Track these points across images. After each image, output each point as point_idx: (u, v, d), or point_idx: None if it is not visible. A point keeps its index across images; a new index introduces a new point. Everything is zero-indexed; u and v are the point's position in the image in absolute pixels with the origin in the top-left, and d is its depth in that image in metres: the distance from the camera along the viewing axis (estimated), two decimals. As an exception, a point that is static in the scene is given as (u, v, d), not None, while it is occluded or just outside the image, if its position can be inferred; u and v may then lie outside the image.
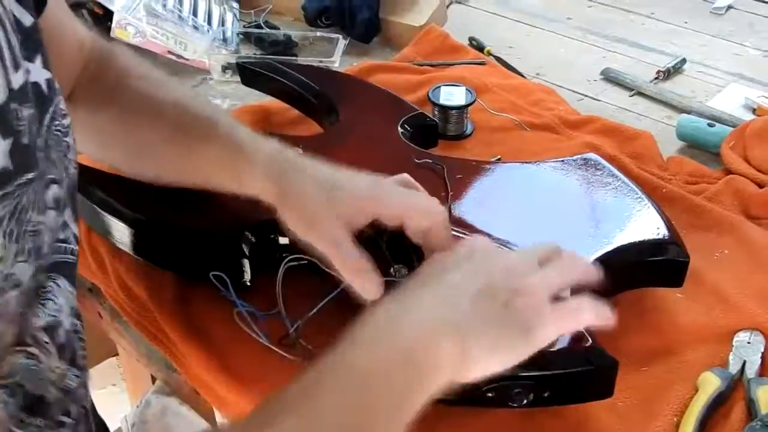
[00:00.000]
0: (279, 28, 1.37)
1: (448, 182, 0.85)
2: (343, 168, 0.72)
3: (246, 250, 0.78)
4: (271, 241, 0.78)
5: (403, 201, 0.70)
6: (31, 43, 0.54)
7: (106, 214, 0.82)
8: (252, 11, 1.41)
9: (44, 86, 0.55)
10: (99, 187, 0.85)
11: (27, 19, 0.53)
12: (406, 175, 0.75)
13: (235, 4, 1.40)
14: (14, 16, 0.52)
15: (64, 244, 0.60)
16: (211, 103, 0.81)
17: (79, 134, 0.75)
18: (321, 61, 1.25)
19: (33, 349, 0.57)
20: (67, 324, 0.59)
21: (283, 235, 0.78)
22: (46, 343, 0.58)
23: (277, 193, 0.70)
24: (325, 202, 0.68)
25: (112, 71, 0.78)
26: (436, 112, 1.06)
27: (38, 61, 0.55)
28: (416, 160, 0.89)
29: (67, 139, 0.59)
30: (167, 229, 0.82)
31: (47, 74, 0.56)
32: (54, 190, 0.56)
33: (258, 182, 0.71)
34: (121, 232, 0.82)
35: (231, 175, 0.73)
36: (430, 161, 0.89)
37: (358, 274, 0.67)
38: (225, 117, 0.78)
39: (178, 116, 0.76)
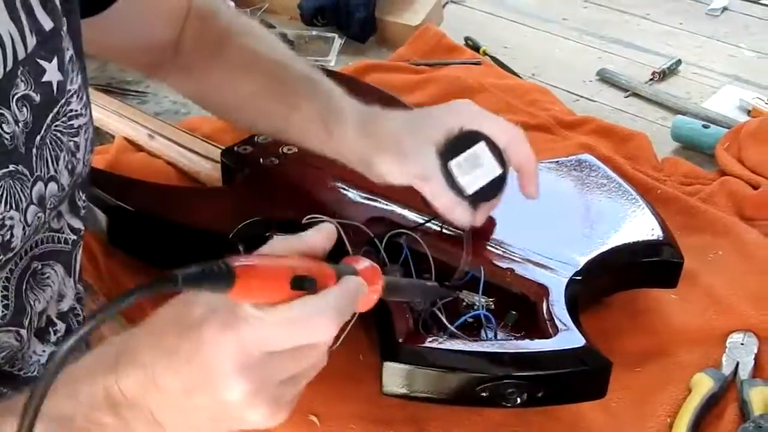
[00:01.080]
0: (275, 27, 1.37)
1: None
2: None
3: (241, 248, 0.78)
4: (266, 239, 0.78)
5: (482, 114, 0.73)
6: (50, 45, 0.57)
7: (101, 212, 0.82)
8: (248, 10, 1.41)
9: (55, 87, 0.57)
10: (94, 185, 0.84)
11: (47, 24, 0.56)
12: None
13: (231, 3, 1.40)
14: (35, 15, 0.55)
15: (58, 234, 0.62)
16: (309, 62, 0.83)
17: (184, 89, 0.85)
18: (317, 60, 1.25)
19: (24, 332, 0.59)
20: (65, 307, 0.60)
21: (280, 233, 0.77)
22: (43, 327, 0.59)
23: (367, 143, 0.74)
24: (415, 132, 0.72)
25: (215, 29, 0.81)
26: None
27: (55, 62, 0.57)
28: None
29: (76, 138, 0.61)
30: (162, 227, 0.81)
31: (60, 76, 0.57)
32: (39, 187, 0.56)
33: (349, 135, 0.75)
34: (118, 232, 0.82)
35: (325, 131, 0.76)
36: None
37: (451, 208, 0.71)
38: (323, 78, 0.80)
39: (280, 73, 0.79)
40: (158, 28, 0.79)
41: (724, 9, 1.50)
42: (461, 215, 0.71)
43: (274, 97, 0.79)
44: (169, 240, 0.82)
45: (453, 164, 0.70)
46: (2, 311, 0.58)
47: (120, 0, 0.71)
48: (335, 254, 0.52)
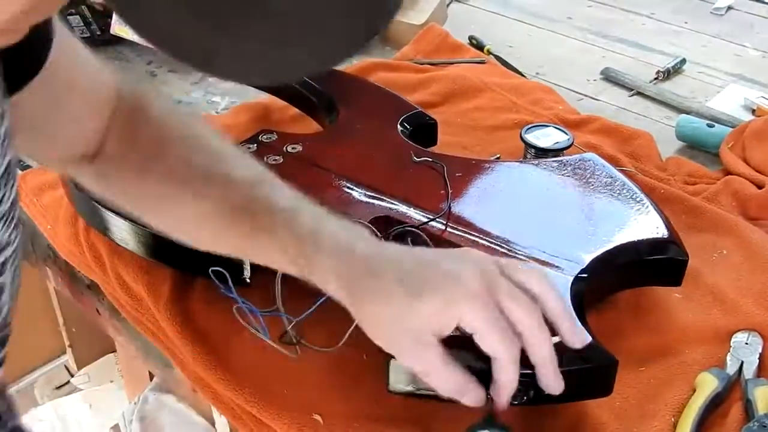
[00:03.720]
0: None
1: (448, 181, 0.85)
2: (427, 251, 0.67)
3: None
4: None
5: (494, 327, 0.60)
6: None
7: (104, 210, 0.82)
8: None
9: None
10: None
11: None
12: (512, 262, 0.66)
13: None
14: None
15: None
16: (264, 171, 0.68)
17: (112, 192, 0.72)
18: (321, 59, 1.24)
19: None
20: None
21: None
22: None
23: (350, 303, 0.63)
24: (406, 315, 0.60)
25: (147, 127, 0.69)
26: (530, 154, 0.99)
27: None
28: (415, 159, 0.89)
29: None
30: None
31: None
32: None
33: (330, 283, 0.63)
34: (120, 229, 0.82)
35: (299, 270, 0.65)
36: (430, 159, 0.89)
37: (460, 394, 0.62)
38: (282, 197, 0.66)
39: (231, 194, 0.67)
40: (73, 119, 0.66)
41: (729, 8, 1.49)
42: (473, 399, 0.63)
43: (228, 220, 0.67)
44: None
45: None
46: None
47: (34, 80, 0.57)
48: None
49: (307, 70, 0.37)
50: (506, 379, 0.61)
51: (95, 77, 0.67)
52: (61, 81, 0.61)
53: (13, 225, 0.51)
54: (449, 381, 0.61)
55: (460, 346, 0.62)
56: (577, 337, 0.64)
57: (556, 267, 0.75)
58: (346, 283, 0.62)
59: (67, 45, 0.61)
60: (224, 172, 0.67)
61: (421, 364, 0.61)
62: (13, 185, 0.50)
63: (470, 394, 0.62)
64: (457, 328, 0.60)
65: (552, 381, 0.62)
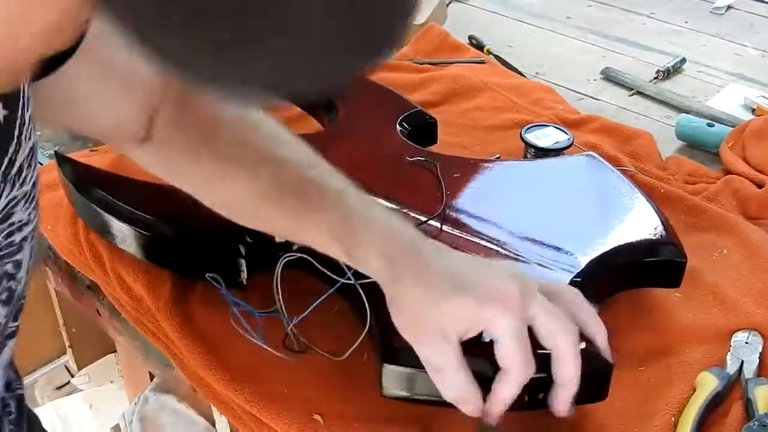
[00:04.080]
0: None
1: (442, 180, 0.85)
2: (476, 255, 0.69)
3: (242, 250, 0.78)
4: (268, 240, 0.78)
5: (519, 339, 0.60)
6: None
7: (104, 213, 0.82)
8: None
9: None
10: (97, 186, 0.85)
11: None
12: (555, 285, 0.67)
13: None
14: None
15: None
16: (314, 154, 0.69)
17: (167, 172, 0.72)
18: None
19: None
20: None
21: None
22: None
23: (388, 281, 0.63)
24: (441, 307, 0.61)
25: (199, 108, 0.69)
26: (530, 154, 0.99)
27: None
28: (408, 159, 0.89)
29: (18, 256, 0.52)
30: (165, 228, 0.81)
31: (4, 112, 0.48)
32: None
33: (372, 262, 0.63)
34: (119, 232, 0.82)
35: (343, 249, 0.65)
36: (422, 159, 0.88)
37: (461, 401, 0.62)
38: (332, 180, 0.67)
39: (283, 174, 0.67)
40: (118, 94, 0.66)
41: (729, 7, 1.49)
42: (472, 410, 0.63)
43: (276, 201, 0.68)
44: (173, 242, 0.82)
45: None
46: None
47: (69, 62, 0.57)
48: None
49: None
50: (506, 395, 0.61)
51: (136, 63, 0.66)
52: (103, 55, 0.61)
53: (33, 205, 0.52)
54: (456, 383, 0.61)
55: (468, 351, 0.62)
56: (611, 353, 0.65)
57: (553, 269, 0.74)
58: (388, 262, 0.62)
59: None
60: (277, 153, 0.68)
61: (436, 358, 0.61)
62: (35, 167, 0.52)
63: (470, 404, 0.62)
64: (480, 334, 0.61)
65: (564, 403, 0.63)
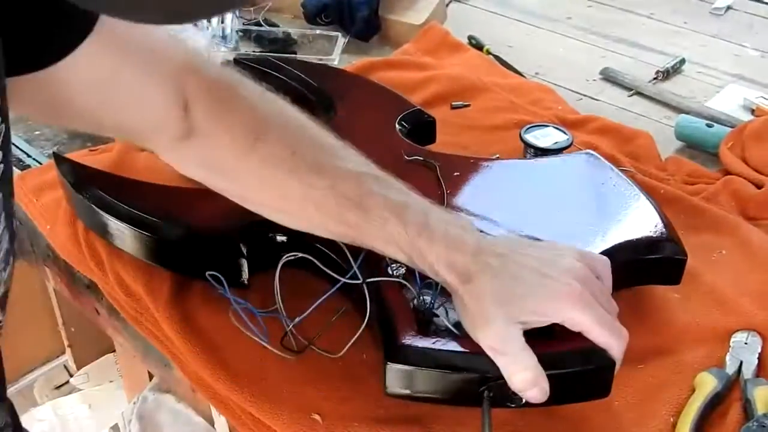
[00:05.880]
0: (278, 26, 1.37)
1: (442, 180, 0.85)
2: (536, 243, 0.70)
3: (244, 250, 0.78)
4: (269, 240, 0.78)
5: (593, 321, 0.64)
6: None
7: (103, 213, 0.82)
8: (251, 8, 1.41)
9: None
10: (96, 187, 0.84)
11: None
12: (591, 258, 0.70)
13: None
14: None
15: None
16: (368, 163, 0.70)
17: (211, 173, 0.72)
18: (320, 59, 1.24)
19: None
20: None
21: (281, 234, 0.78)
22: None
23: (457, 284, 0.65)
24: (505, 303, 0.64)
25: (240, 107, 0.69)
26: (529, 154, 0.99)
27: None
28: (406, 158, 0.89)
29: None
30: (165, 229, 0.81)
31: None
32: None
33: (439, 269, 0.66)
34: (119, 232, 0.82)
35: (406, 258, 0.67)
36: (421, 158, 0.88)
37: (532, 383, 0.63)
38: (391, 189, 0.69)
39: (339, 185, 0.68)
40: (145, 80, 0.65)
41: (728, 8, 1.49)
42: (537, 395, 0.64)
43: (330, 209, 0.68)
44: (173, 242, 0.82)
45: None
46: None
47: (84, 44, 0.57)
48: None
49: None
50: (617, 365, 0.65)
51: (158, 44, 0.67)
52: (120, 44, 0.61)
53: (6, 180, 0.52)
54: (526, 365, 0.62)
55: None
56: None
57: None
58: (453, 269, 0.65)
59: None
60: (332, 163, 0.69)
61: (500, 342, 0.63)
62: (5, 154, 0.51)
63: (538, 388, 0.63)
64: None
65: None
